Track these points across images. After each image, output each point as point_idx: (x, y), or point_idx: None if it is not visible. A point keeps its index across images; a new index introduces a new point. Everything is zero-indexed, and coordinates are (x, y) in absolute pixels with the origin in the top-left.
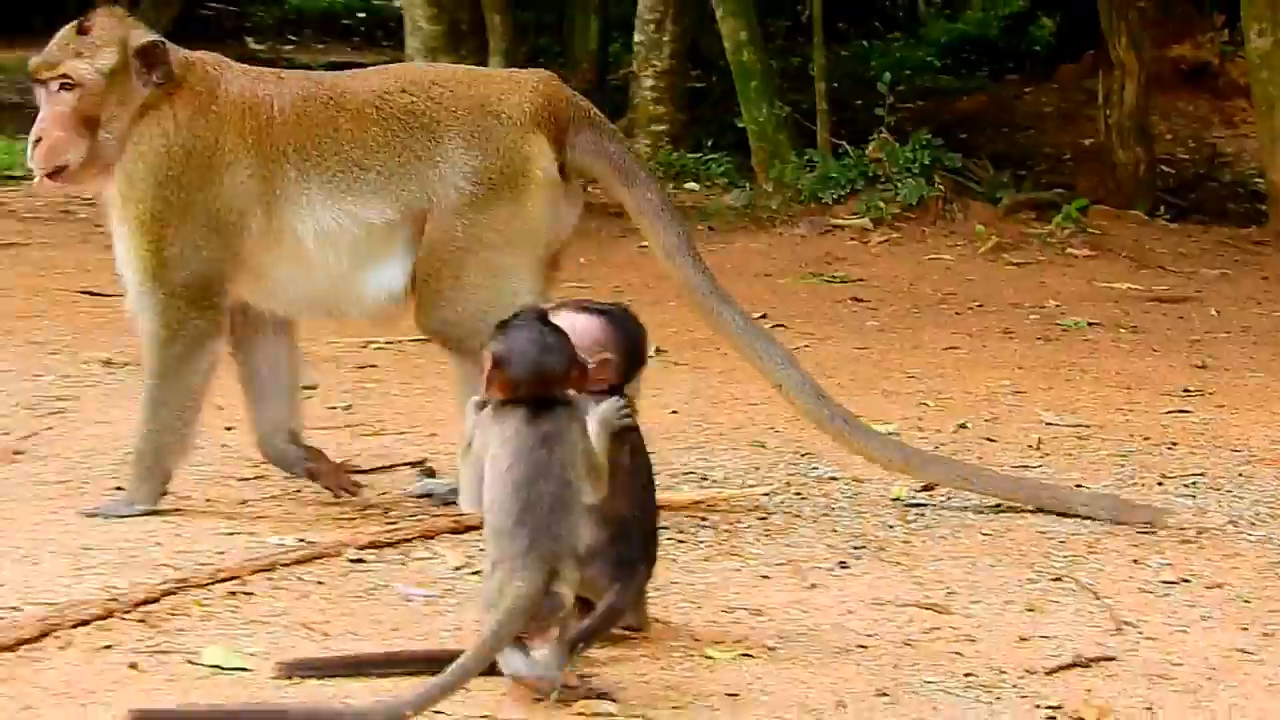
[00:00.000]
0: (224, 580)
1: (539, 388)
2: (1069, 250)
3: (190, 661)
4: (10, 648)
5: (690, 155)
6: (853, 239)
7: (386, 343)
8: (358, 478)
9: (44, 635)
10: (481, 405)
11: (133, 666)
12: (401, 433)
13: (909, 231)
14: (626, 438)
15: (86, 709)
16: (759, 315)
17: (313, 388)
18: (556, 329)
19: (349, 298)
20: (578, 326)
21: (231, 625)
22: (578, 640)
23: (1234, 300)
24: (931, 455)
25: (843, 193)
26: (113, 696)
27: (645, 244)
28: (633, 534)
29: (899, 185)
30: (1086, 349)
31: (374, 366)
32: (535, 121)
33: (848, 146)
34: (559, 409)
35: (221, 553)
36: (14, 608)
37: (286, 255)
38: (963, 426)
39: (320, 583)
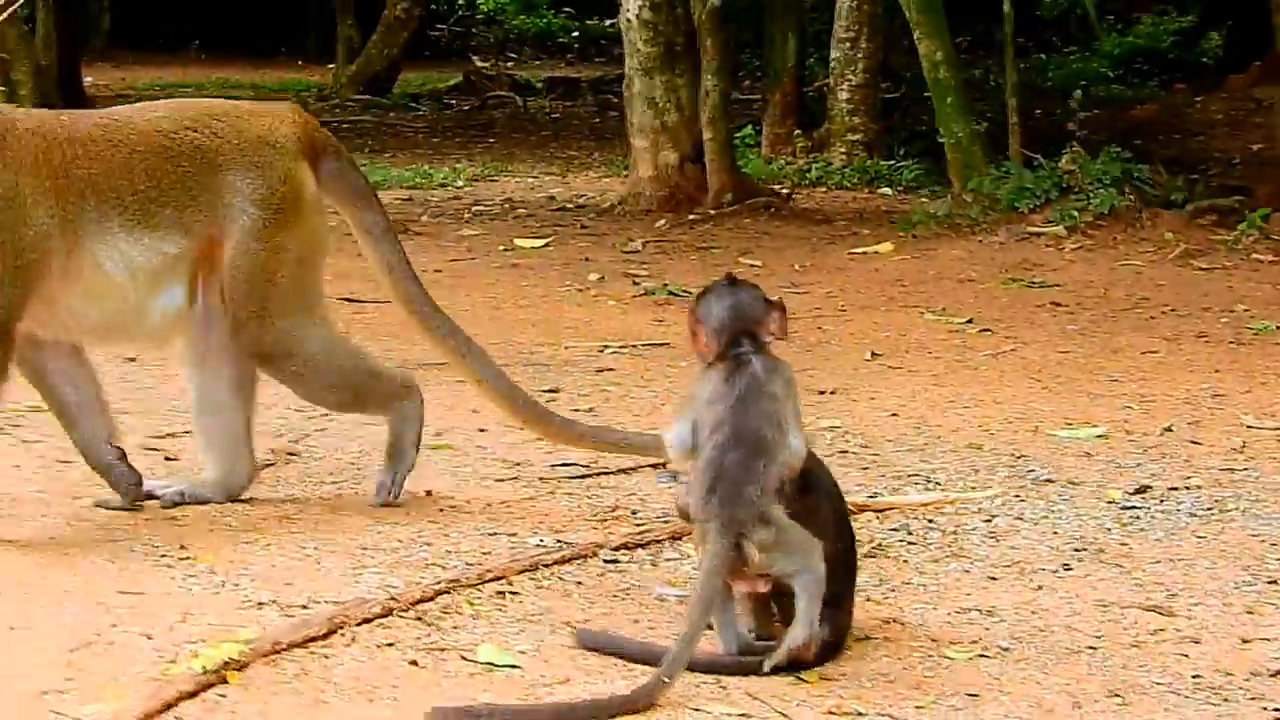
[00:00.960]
0: (491, 580)
1: (737, 333)
2: (1254, 255)
3: (465, 659)
4: (301, 644)
5: (883, 162)
6: (1048, 245)
7: (620, 347)
8: (605, 479)
9: (331, 633)
10: None
11: (413, 663)
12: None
13: (1101, 239)
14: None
15: (373, 704)
16: (965, 320)
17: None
18: (747, 284)
19: (139, 322)
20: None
21: (500, 624)
22: (782, 667)
23: None
24: (626, 434)
25: (1038, 202)
26: (396, 692)
27: (856, 250)
28: (837, 569)
29: (1091, 195)
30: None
31: (611, 370)
32: (300, 150)
33: (1040, 159)
34: (758, 362)
35: (486, 553)
36: (303, 606)
37: (85, 288)
38: (1168, 430)
39: (579, 582)
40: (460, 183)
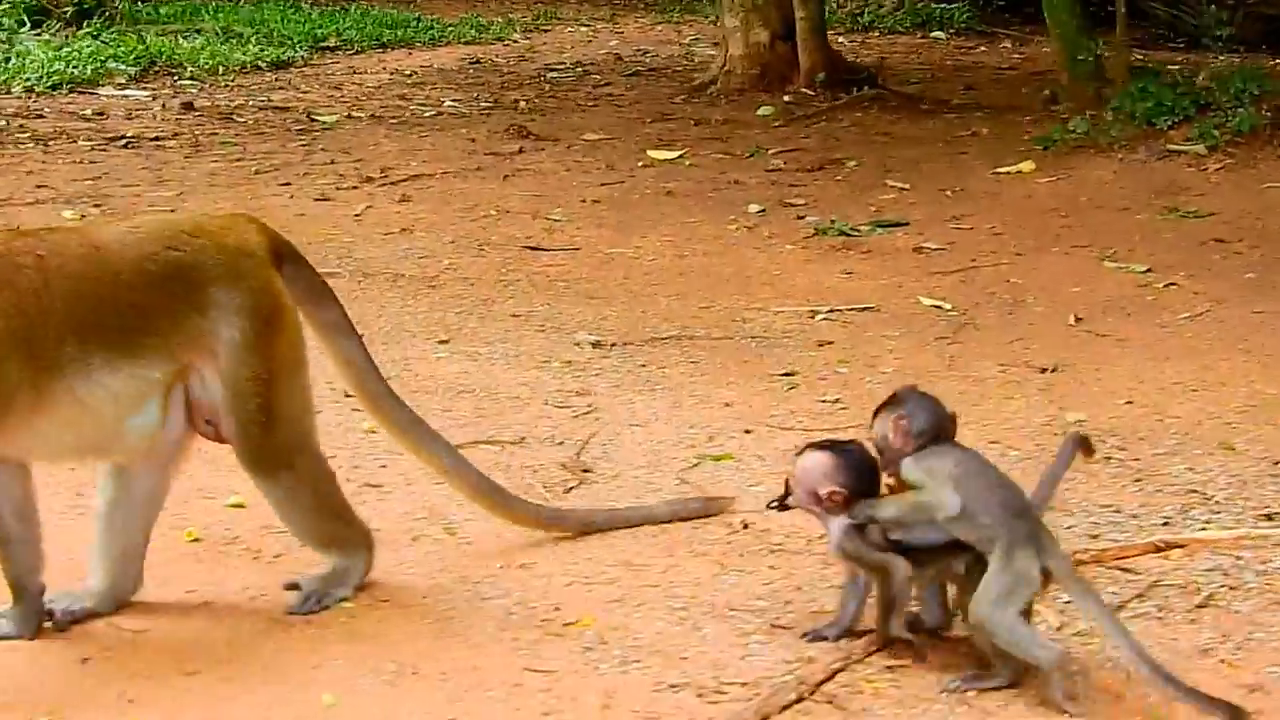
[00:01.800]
0: (875, 652)
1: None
2: None
3: None
4: None
5: (933, 4)
6: (1190, 165)
7: (829, 311)
8: None
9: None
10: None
11: None
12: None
13: (1242, 157)
14: None
15: None
16: (1144, 269)
17: None
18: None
19: (114, 442)
20: (809, 464)
21: (905, 702)
22: None
23: None
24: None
25: (1176, 119)
26: None
27: (1001, 171)
28: None
29: (1229, 113)
30: None
31: (830, 343)
32: (270, 256)
33: (1177, 74)
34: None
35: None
36: (716, 690)
37: (61, 417)
38: None
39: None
40: (515, 36)
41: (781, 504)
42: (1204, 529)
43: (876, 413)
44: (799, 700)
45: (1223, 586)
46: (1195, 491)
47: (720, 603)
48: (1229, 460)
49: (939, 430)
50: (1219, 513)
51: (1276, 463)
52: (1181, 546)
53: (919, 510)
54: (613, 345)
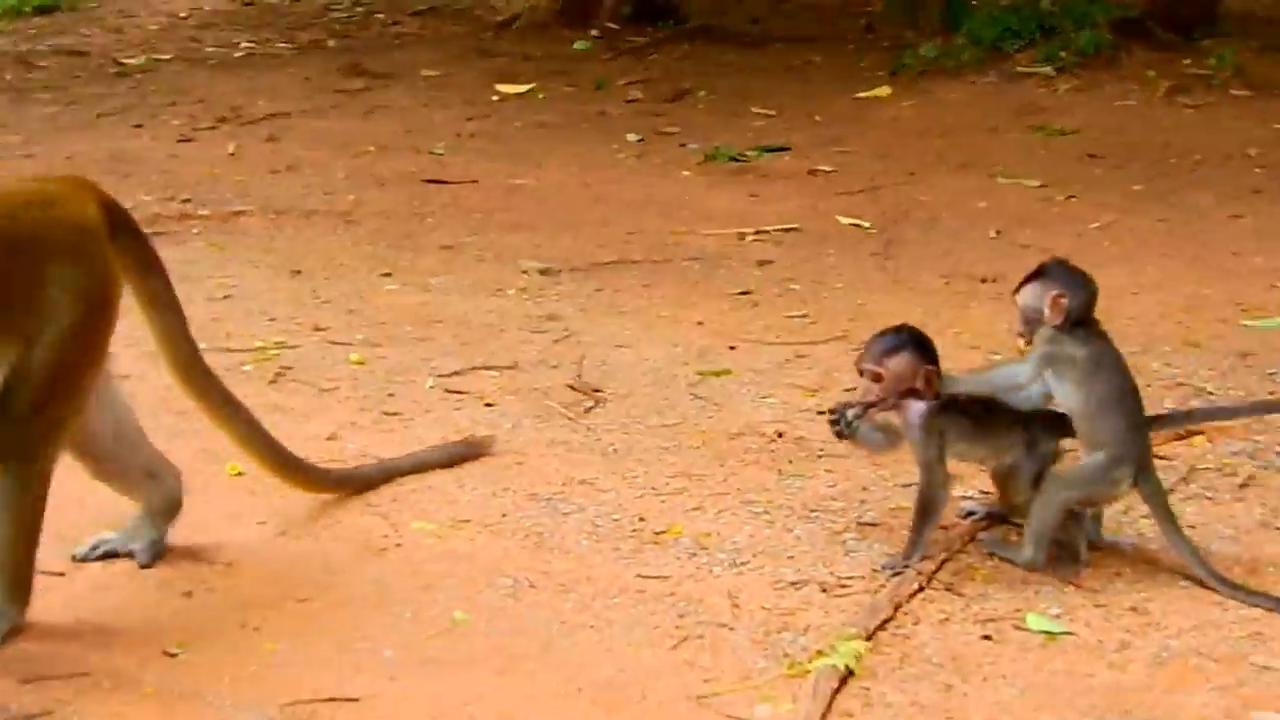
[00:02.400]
0: (970, 543)
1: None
2: (1231, 91)
3: (1018, 628)
4: (881, 628)
5: None
6: (1040, 87)
7: (755, 234)
8: None
9: (894, 614)
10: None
11: (985, 638)
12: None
13: (1088, 78)
14: None
15: (988, 682)
16: (1038, 184)
17: None
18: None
19: None
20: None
21: (1005, 583)
22: None
23: None
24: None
25: (1022, 43)
26: (993, 669)
27: (859, 96)
28: None
29: (1073, 35)
30: None
31: (771, 262)
32: (107, 229)
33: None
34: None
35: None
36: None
37: None
38: None
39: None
40: None
41: (868, 407)
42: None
43: (1027, 281)
44: (921, 590)
45: (1259, 467)
46: (1185, 384)
47: (796, 505)
48: (1202, 355)
49: (1087, 311)
50: (1218, 402)
51: (1244, 355)
52: (1201, 434)
53: (999, 380)
54: (560, 272)
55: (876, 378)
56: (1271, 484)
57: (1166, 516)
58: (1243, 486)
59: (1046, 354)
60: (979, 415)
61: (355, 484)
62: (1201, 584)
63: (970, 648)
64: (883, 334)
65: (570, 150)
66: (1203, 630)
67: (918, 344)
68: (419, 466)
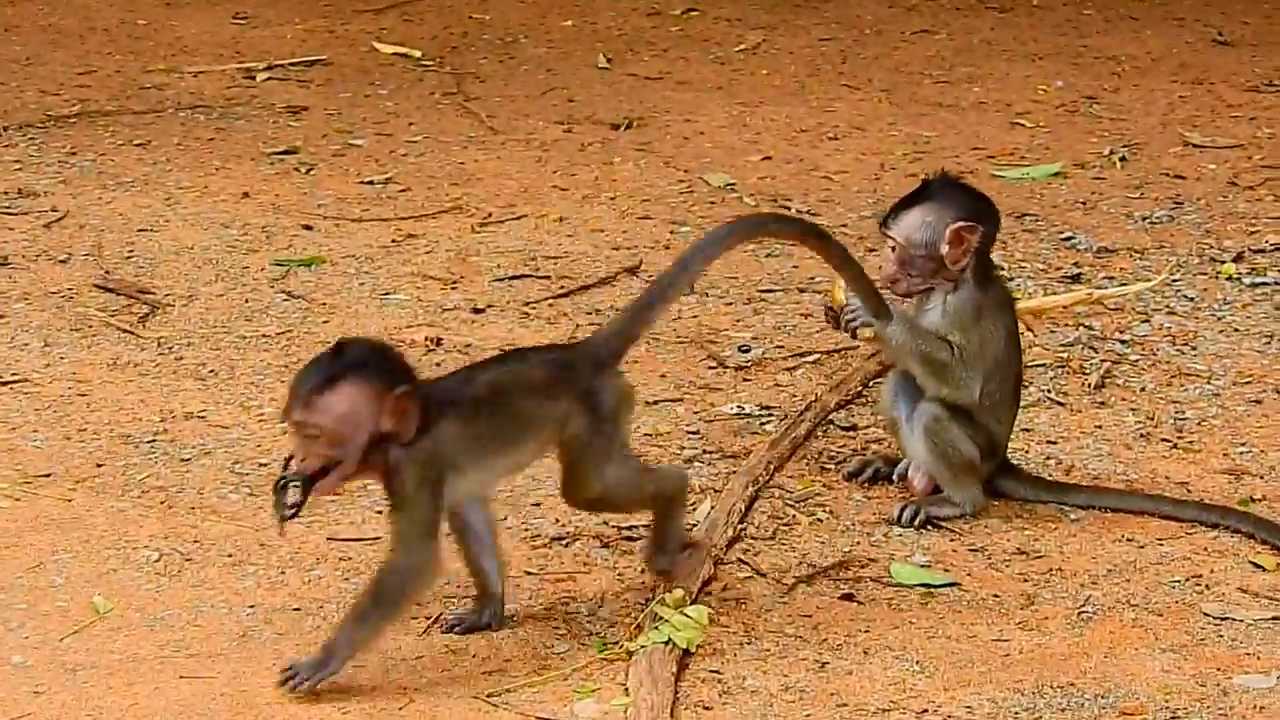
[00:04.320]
0: None
1: None
2: None
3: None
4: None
5: None
6: None
7: (269, 67)
8: None
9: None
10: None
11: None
12: None
13: None
14: None
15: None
16: None
17: None
18: None
19: None
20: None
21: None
22: None
23: None
24: None
25: None
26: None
27: None
28: None
29: None
30: None
31: (305, 109)
32: None
33: None
34: None
35: None
36: None
37: None
38: (1122, 159)
39: None
40: None
41: (309, 485)
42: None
43: (906, 206)
44: (738, 539)
45: (1109, 362)
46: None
47: None
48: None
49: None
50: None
51: (1020, 217)
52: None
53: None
54: (6, 129)
55: (314, 432)
56: (1133, 383)
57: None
58: (1099, 388)
59: (972, 310)
60: (492, 403)
61: None
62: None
63: (831, 611)
64: (312, 363)
65: None
66: (1123, 575)
67: (368, 362)
68: None
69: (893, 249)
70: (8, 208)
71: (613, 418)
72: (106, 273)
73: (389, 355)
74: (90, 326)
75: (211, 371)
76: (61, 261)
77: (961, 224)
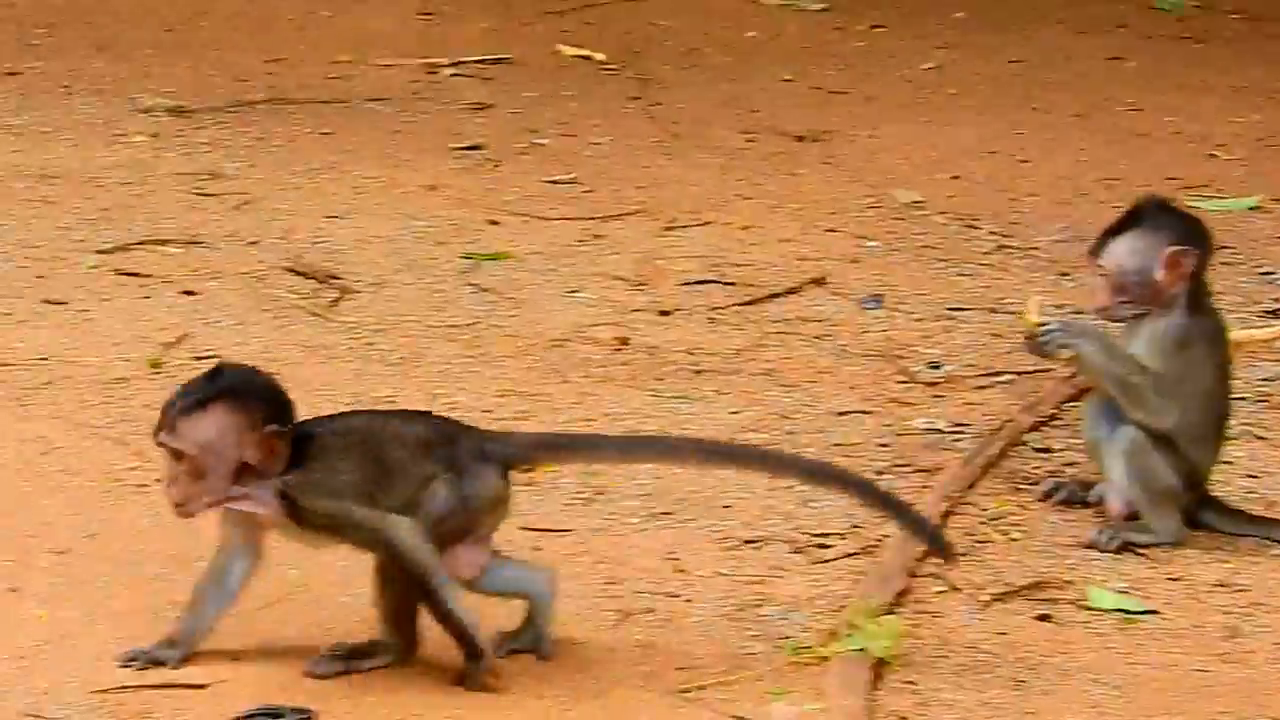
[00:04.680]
0: None
1: None
2: None
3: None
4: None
5: None
6: None
7: (455, 64)
8: None
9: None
10: None
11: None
12: None
13: None
14: None
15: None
16: (819, 7)
17: None
18: None
19: None
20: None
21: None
22: None
23: None
24: None
25: None
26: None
27: None
28: None
29: None
30: None
31: (491, 105)
32: None
33: None
34: None
35: None
36: None
37: None
38: None
39: None
40: None
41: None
42: None
43: (1117, 232)
44: None
45: None
46: None
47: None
48: None
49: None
50: None
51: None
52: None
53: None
54: (196, 112)
55: (179, 457)
56: None
57: None
58: None
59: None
60: (363, 448)
61: None
62: None
63: (1027, 631)
64: (186, 385)
65: None
66: None
67: (240, 390)
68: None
69: (1104, 277)
70: (199, 188)
71: (475, 508)
72: (298, 257)
73: (267, 385)
74: (281, 308)
75: (400, 359)
76: (252, 243)
77: (1176, 248)
